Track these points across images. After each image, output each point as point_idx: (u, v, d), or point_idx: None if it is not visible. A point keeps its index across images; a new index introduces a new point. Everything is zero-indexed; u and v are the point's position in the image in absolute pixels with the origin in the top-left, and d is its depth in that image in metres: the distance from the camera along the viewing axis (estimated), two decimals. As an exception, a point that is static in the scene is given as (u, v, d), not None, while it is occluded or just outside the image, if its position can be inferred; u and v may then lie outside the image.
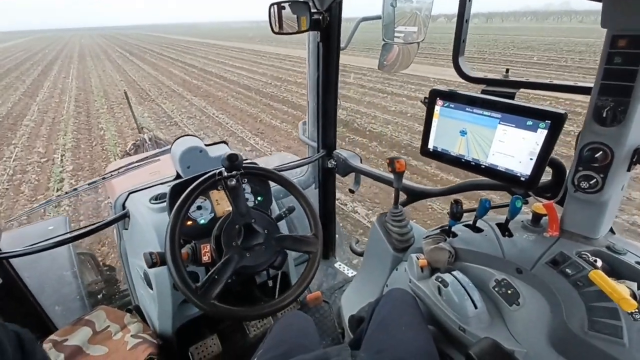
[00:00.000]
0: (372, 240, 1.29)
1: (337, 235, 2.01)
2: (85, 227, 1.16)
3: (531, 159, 0.79)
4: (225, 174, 0.90)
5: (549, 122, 0.74)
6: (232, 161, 0.89)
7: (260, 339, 0.93)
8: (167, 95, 10.35)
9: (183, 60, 18.83)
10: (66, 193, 1.43)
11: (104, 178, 1.41)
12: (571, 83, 0.81)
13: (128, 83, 12.49)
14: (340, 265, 1.95)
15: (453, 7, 0.87)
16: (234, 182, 0.89)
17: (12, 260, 1.08)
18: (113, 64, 18.58)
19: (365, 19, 1.31)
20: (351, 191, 1.65)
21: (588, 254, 0.74)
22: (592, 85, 0.71)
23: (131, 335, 1.15)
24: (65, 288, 1.52)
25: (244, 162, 0.95)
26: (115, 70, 15.80)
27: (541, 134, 0.75)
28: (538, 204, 0.86)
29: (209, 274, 0.82)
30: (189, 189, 0.90)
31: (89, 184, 1.41)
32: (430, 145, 0.99)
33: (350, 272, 1.88)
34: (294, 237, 0.98)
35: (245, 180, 0.95)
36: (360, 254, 1.53)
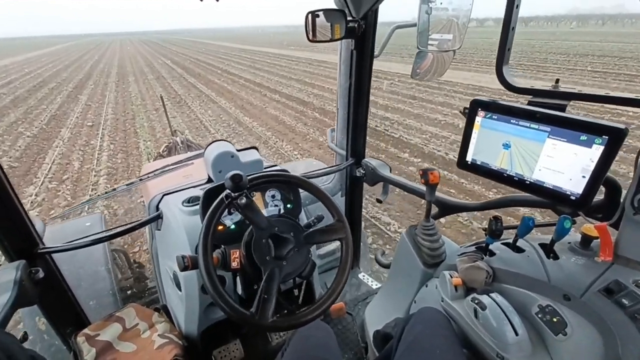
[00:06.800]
0: (400, 253, 1.24)
1: (361, 244, 1.97)
2: (121, 225, 1.20)
3: (584, 176, 0.73)
4: (233, 194, 0.88)
5: (607, 137, 0.68)
6: (236, 182, 0.86)
7: (281, 345, 0.91)
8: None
9: (273, 87, 11.30)
10: (105, 193, 1.50)
11: (140, 179, 1.46)
12: (632, 95, 0.74)
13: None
14: (364, 276, 1.90)
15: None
16: (244, 200, 0.86)
17: (53, 254, 1.14)
18: (167, 90, 11.46)
19: (399, 26, 1.28)
20: (379, 201, 1.61)
21: None
22: None
23: (158, 335, 1.17)
24: (99, 283, 1.59)
25: (252, 174, 0.94)
26: (179, 111, 8.48)
27: (597, 150, 0.69)
28: (589, 225, 0.79)
29: (258, 295, 0.79)
30: (207, 214, 0.87)
31: (126, 185, 1.47)
32: (469, 158, 0.94)
33: (374, 284, 1.83)
34: (320, 229, 0.97)
35: (251, 192, 0.92)
36: (386, 266, 1.48)
